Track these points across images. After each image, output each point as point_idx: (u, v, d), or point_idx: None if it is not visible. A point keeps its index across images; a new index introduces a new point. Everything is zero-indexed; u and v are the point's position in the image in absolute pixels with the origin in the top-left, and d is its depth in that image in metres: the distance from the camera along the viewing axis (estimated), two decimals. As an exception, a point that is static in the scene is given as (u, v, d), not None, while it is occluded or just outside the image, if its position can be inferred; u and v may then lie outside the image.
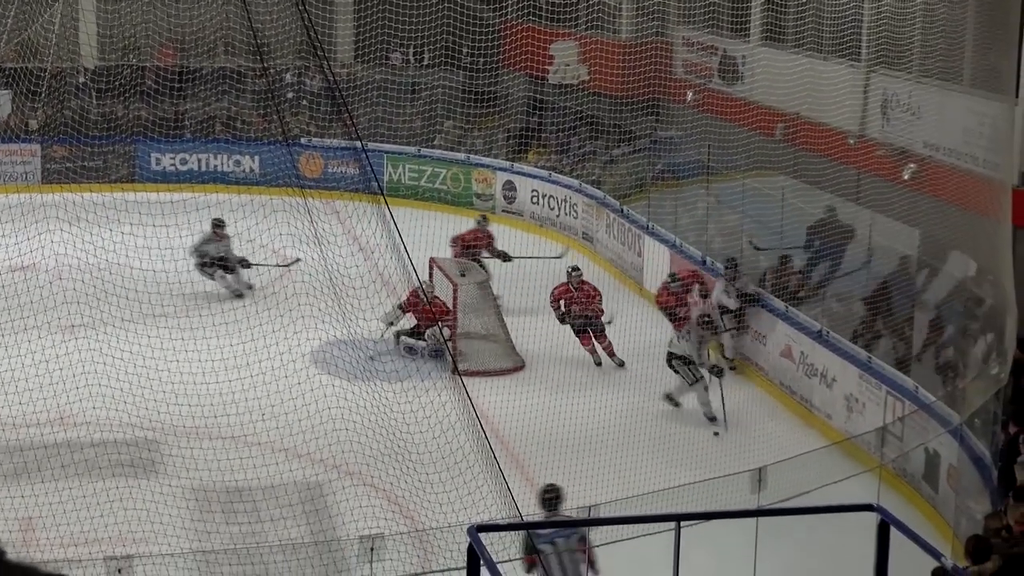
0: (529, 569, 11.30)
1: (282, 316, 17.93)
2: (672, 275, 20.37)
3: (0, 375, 15.45)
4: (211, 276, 21.38)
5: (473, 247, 21.84)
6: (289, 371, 16.14)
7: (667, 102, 26.14)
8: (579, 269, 20.09)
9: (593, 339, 19.22)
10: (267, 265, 21.50)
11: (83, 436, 14.99)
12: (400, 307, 18.92)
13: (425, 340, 18.82)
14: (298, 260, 20.18)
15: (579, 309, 19.33)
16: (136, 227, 18.28)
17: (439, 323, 18.69)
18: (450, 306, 18.99)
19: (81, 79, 28.78)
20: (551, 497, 12.01)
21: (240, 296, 21.19)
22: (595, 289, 19.85)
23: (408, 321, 19.21)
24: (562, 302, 19.37)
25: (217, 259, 21.44)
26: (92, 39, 29.97)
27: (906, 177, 18.93)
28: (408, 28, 28.52)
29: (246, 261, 21.62)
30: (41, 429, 14.96)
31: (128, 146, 28.53)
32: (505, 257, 21.89)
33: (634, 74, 25.91)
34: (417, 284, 16.76)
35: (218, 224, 21.61)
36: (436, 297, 19.14)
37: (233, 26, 25.13)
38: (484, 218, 23.21)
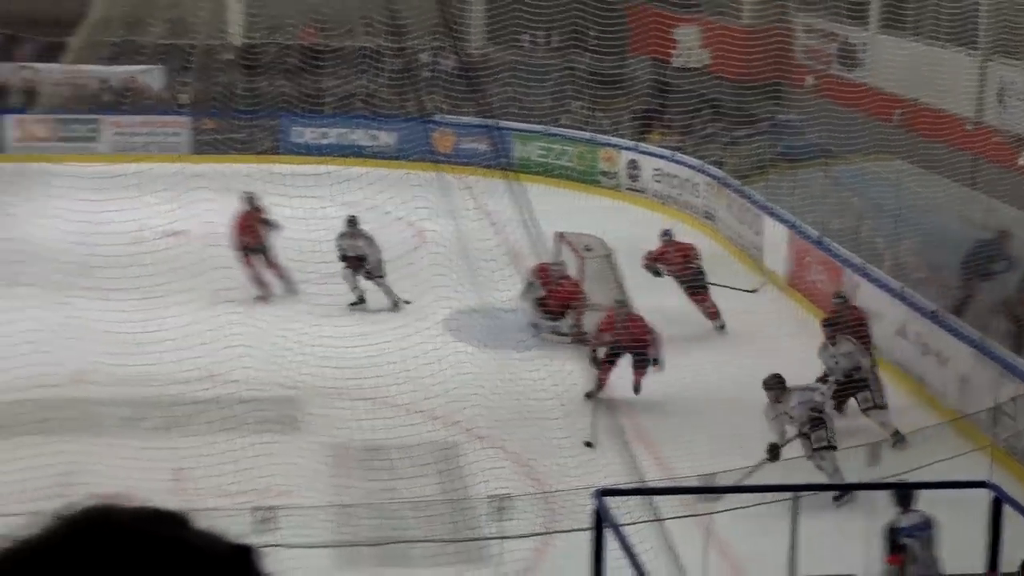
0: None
1: (418, 285, 18.08)
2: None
3: (153, 335, 15.68)
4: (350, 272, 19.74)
5: (666, 262, 20.10)
6: (424, 337, 16.21)
7: (787, 86, 25.91)
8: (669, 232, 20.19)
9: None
10: (391, 295, 19.47)
11: (231, 393, 15.16)
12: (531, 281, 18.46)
13: (552, 320, 18.65)
14: (408, 303, 19.14)
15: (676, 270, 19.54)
16: (279, 197, 18.55)
17: (569, 308, 18.48)
18: (578, 284, 18.91)
19: (229, 56, 29.13)
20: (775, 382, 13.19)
21: (358, 303, 19.37)
22: (690, 247, 19.91)
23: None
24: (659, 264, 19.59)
25: (354, 258, 19.57)
26: (240, 18, 30.38)
27: (1021, 163, 18.63)
28: (538, 12, 28.51)
29: (377, 273, 19.58)
30: (191, 386, 15.18)
31: (272, 120, 28.85)
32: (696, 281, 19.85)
33: (755, 59, 25.70)
34: (546, 259, 16.80)
35: (351, 222, 19.83)
36: (566, 277, 19.05)
37: (373, 7, 25.21)
38: (669, 232, 20.54)
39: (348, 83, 29.43)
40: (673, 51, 28.35)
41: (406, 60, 24.32)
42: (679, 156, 26.70)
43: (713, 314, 19.26)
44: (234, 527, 6.49)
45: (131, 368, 15.17)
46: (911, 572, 11.28)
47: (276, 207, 17.96)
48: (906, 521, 11.09)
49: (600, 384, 16.00)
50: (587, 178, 28.33)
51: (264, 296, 19.28)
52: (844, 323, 16.60)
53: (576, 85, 29.09)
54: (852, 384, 15.68)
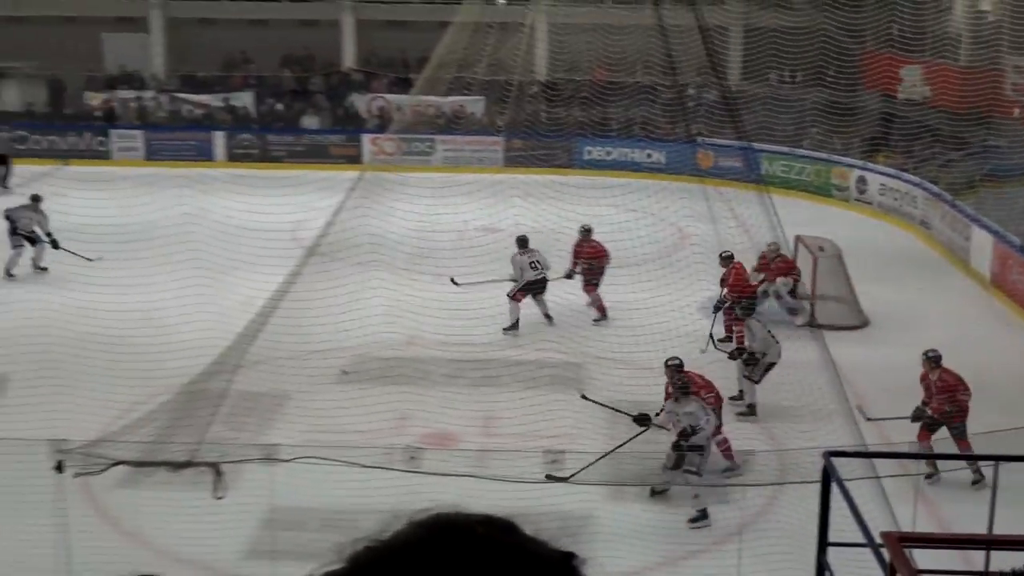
0: None
1: (678, 272, 17.83)
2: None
3: (472, 309, 15.91)
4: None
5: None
6: (686, 318, 15.97)
7: (997, 116, 24.69)
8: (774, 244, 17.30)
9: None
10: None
11: (533, 359, 15.29)
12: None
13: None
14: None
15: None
16: (572, 202, 18.58)
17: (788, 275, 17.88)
18: (794, 263, 18.19)
19: (536, 89, 29.41)
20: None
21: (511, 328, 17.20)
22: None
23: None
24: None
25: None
26: (545, 59, 30.62)
27: None
28: (785, 53, 27.96)
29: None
30: (501, 350, 15.38)
31: (567, 141, 29.03)
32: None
33: (970, 93, 24.70)
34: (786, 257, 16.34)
35: (521, 242, 17.56)
36: (780, 255, 17.68)
37: (651, 50, 25.03)
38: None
39: (629, 111, 29.39)
40: (899, 86, 27.52)
41: (676, 93, 24.11)
42: (901, 174, 25.80)
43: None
44: (529, 465, 6.49)
45: (452, 335, 15.47)
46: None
47: (569, 212, 17.93)
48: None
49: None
50: (822, 191, 27.64)
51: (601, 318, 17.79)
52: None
53: (815, 114, 28.42)
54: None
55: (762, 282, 17.66)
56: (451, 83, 21.98)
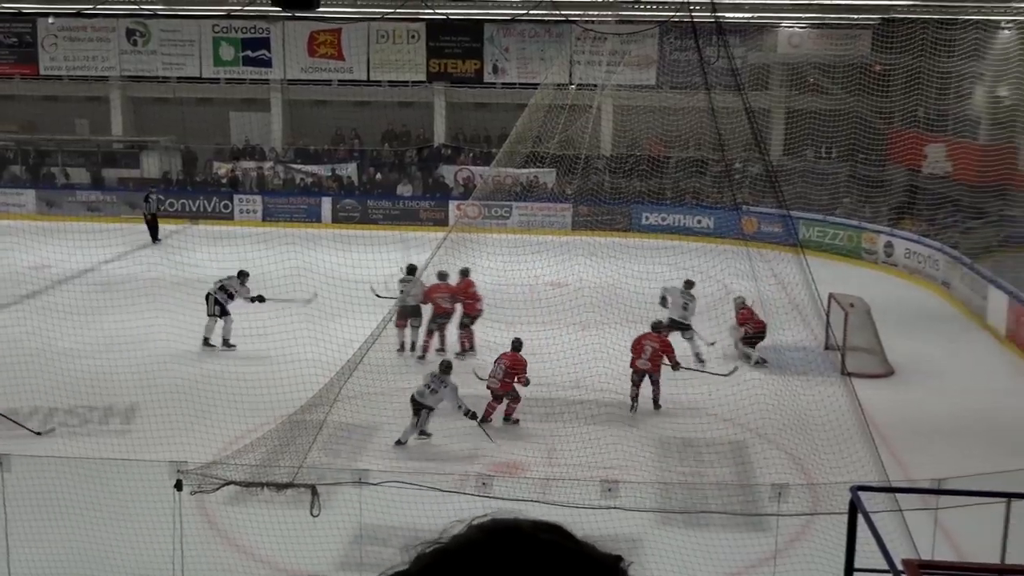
0: None
1: (719, 327, 17.61)
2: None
3: (541, 353, 15.82)
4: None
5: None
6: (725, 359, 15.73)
7: (1012, 189, 24.18)
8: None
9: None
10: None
11: (589, 396, 15.14)
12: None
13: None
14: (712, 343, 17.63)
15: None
16: (630, 261, 18.47)
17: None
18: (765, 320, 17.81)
19: (600, 162, 29.41)
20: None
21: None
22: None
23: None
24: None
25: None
26: (609, 135, 30.63)
27: None
28: (821, 133, 27.73)
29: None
30: (564, 390, 15.24)
31: (627, 207, 28.94)
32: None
33: (988, 169, 24.19)
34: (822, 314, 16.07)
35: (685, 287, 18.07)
36: (746, 308, 17.79)
37: (702, 128, 24.93)
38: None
39: (682, 182, 29.26)
40: (924, 162, 27.08)
41: (724, 166, 23.96)
42: (925, 239, 25.32)
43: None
44: (588, 494, 6.36)
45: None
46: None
47: (628, 269, 17.82)
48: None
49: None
50: (853, 254, 27.20)
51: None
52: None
53: (847, 186, 28.08)
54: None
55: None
56: (527, 157, 22.06)
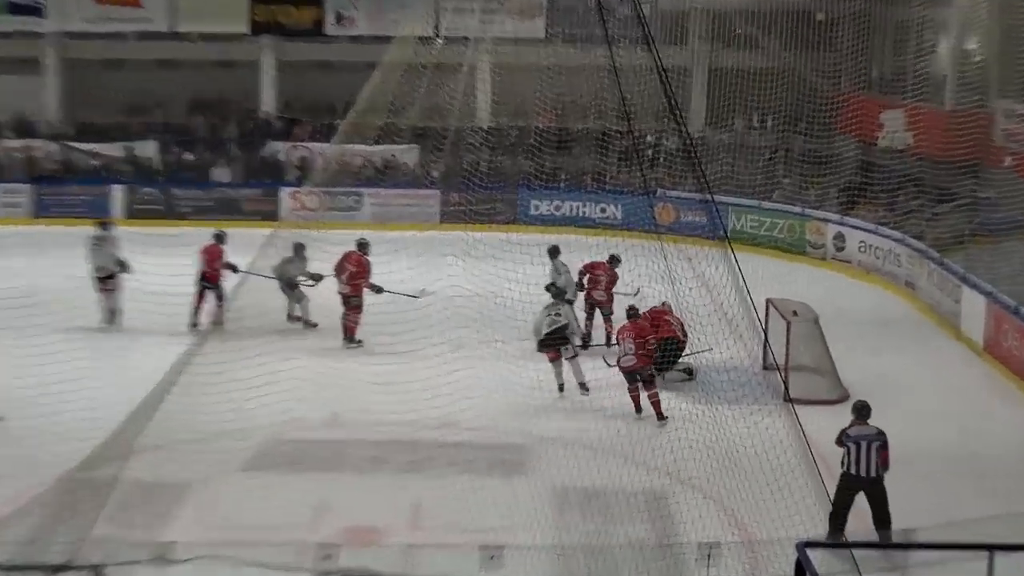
0: None
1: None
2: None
3: (400, 384, 15.67)
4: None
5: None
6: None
7: (986, 165, 24.94)
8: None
9: None
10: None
11: (463, 437, 15.07)
12: None
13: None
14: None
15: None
16: (515, 262, 18.43)
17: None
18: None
19: (476, 137, 29.41)
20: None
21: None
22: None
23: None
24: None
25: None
26: (487, 104, 30.70)
27: None
28: (753, 97, 28.19)
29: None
30: (431, 430, 15.13)
31: (512, 194, 29.02)
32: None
33: (956, 140, 24.90)
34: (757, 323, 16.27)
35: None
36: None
37: (604, 94, 25.13)
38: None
39: (580, 161, 29.48)
40: (879, 133, 27.77)
41: (633, 141, 24.17)
42: (883, 229, 25.96)
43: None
44: (464, 564, 6.23)
45: (377, 414, 15.22)
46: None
47: (511, 273, 17.81)
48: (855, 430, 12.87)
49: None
50: (795, 248, 27.77)
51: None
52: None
53: (787, 163, 28.64)
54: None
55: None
56: (381, 130, 21.85)
